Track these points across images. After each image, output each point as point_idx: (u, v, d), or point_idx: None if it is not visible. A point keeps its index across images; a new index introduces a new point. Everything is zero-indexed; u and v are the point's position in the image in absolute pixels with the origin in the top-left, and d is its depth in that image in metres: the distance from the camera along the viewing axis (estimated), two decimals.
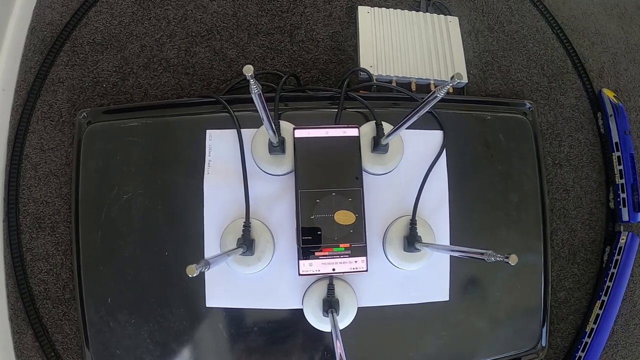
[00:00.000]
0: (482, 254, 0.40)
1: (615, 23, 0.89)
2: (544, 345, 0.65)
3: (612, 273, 0.74)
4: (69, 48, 0.76)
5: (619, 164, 0.76)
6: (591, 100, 0.81)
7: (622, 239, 0.74)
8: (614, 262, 0.74)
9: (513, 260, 0.37)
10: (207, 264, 0.37)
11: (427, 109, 0.42)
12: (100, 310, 0.59)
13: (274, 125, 0.52)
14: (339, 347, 0.45)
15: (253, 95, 0.39)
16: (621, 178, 0.76)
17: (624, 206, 0.75)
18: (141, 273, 0.59)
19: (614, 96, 0.77)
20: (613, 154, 0.77)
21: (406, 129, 0.50)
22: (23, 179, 0.71)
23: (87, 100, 0.74)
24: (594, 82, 0.84)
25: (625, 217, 0.75)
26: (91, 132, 0.63)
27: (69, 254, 0.69)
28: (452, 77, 0.36)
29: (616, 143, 0.77)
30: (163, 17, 0.78)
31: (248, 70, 0.35)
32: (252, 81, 0.37)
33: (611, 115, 0.77)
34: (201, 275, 0.58)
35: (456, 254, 0.49)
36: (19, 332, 0.68)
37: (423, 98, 0.42)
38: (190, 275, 0.35)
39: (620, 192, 0.76)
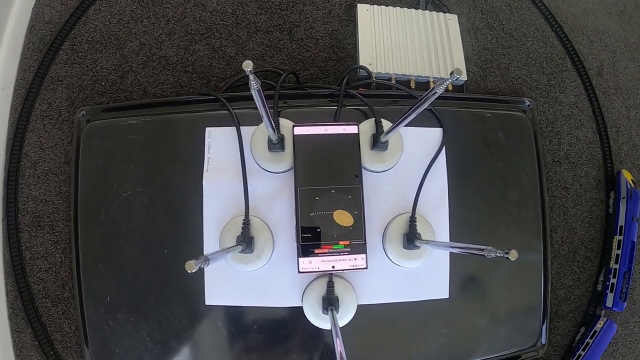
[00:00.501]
0: (482, 250, 0.40)
1: (615, 21, 0.89)
2: (543, 342, 0.65)
3: (580, 355, 0.71)
4: (68, 46, 0.76)
5: (618, 248, 0.74)
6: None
7: (600, 323, 0.72)
8: (584, 344, 0.72)
9: (513, 255, 0.37)
10: (206, 260, 0.37)
11: (426, 105, 0.42)
12: (100, 308, 0.59)
13: (273, 122, 0.52)
14: (339, 345, 0.45)
15: (252, 91, 0.39)
16: (616, 263, 0.73)
17: (611, 292, 0.72)
18: (140, 271, 0.59)
19: (632, 180, 0.75)
20: (615, 237, 0.75)
21: (406, 126, 0.50)
22: (22, 177, 0.71)
23: (86, 99, 0.74)
24: (593, 80, 0.84)
25: (609, 303, 0.73)
26: (90, 130, 0.63)
27: (68, 252, 0.69)
28: (452, 73, 0.36)
29: (621, 227, 0.74)
30: (162, 15, 0.78)
31: (247, 65, 0.34)
32: (251, 77, 0.37)
33: (623, 198, 0.74)
34: (200, 273, 0.58)
35: (456, 251, 0.49)
36: (18, 331, 0.68)
37: (422, 95, 0.42)
38: (189, 271, 0.34)
39: (611, 276, 0.73)
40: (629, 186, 0.75)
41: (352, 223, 0.54)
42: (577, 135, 0.81)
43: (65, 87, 0.74)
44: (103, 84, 0.75)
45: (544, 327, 0.65)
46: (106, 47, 0.76)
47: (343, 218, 0.54)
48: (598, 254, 0.78)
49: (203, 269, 0.56)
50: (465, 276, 0.62)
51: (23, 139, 0.72)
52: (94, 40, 0.76)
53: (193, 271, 0.35)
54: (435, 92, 0.39)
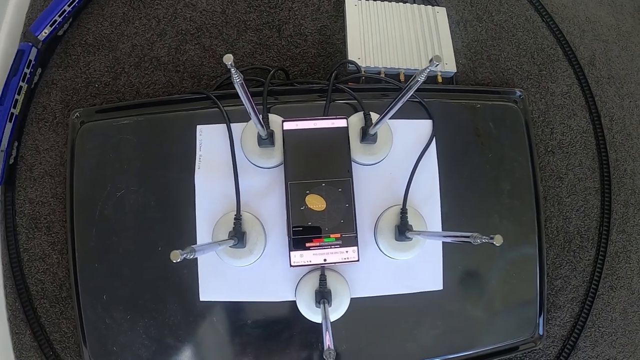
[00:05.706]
0: (467, 237, 0.40)
1: (606, 10, 0.89)
2: (541, 333, 0.65)
3: None
4: (61, 50, 0.77)
5: None
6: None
7: None
8: None
9: (498, 240, 0.37)
10: (192, 250, 0.37)
11: (409, 94, 0.43)
12: (96, 307, 0.59)
13: (262, 118, 0.52)
14: (328, 339, 0.45)
15: (235, 84, 0.39)
16: None
17: None
18: (135, 269, 0.59)
19: None
20: None
21: (395, 119, 0.50)
22: (19, 180, 0.72)
23: (80, 101, 0.75)
24: (586, 70, 0.84)
25: None
26: (84, 131, 0.63)
27: (65, 253, 0.70)
28: (431, 60, 0.36)
29: None
30: (153, 16, 0.78)
31: (228, 59, 0.35)
32: (232, 70, 0.37)
33: None
34: (194, 270, 0.58)
35: (443, 239, 0.49)
36: (18, 333, 0.68)
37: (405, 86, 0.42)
38: (174, 261, 0.35)
39: None
40: None
41: (323, 207, 0.54)
42: (569, 124, 0.81)
43: (59, 90, 0.75)
44: (96, 85, 0.75)
45: (540, 318, 0.65)
46: (99, 49, 0.77)
47: (315, 202, 0.54)
48: (594, 243, 0.78)
49: (195, 259, 0.57)
50: (460, 268, 0.62)
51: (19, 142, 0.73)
52: (86, 43, 0.77)
53: (177, 261, 0.35)
54: (417, 81, 0.39)
